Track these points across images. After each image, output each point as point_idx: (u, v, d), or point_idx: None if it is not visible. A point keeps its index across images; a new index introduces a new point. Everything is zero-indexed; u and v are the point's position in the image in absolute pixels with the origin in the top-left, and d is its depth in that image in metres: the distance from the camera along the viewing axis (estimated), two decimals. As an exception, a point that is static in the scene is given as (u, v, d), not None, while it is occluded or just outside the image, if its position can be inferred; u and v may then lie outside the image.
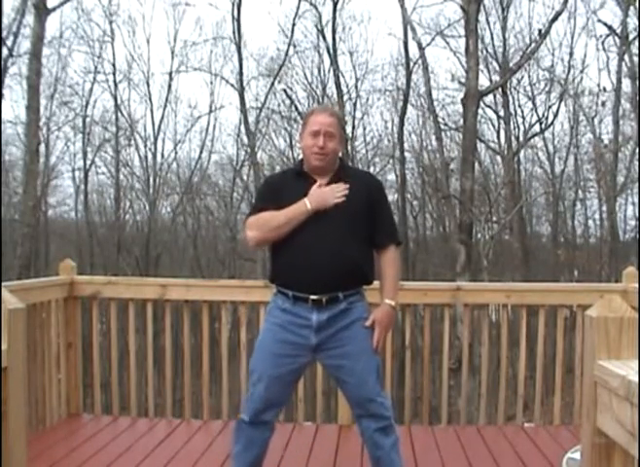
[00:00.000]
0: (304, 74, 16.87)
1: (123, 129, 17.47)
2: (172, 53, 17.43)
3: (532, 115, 16.02)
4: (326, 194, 2.67)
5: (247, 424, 2.71)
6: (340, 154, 2.87)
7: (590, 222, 16.87)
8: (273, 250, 2.78)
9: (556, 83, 15.35)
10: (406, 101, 14.95)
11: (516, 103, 16.25)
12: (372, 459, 2.80)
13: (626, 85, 14.77)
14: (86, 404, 4.28)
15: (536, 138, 16.05)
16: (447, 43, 15.01)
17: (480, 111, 13.06)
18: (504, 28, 15.63)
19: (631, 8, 13.53)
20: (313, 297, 2.64)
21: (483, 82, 13.43)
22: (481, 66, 13.43)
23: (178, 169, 18.14)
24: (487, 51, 15.55)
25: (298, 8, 15.31)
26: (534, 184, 17.47)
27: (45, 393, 3.78)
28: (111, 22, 16.86)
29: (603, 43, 14.74)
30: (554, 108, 15.44)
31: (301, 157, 2.89)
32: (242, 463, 2.75)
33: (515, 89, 15.87)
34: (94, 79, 17.13)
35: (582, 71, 15.38)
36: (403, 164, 15.55)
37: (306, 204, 2.65)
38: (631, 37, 13.98)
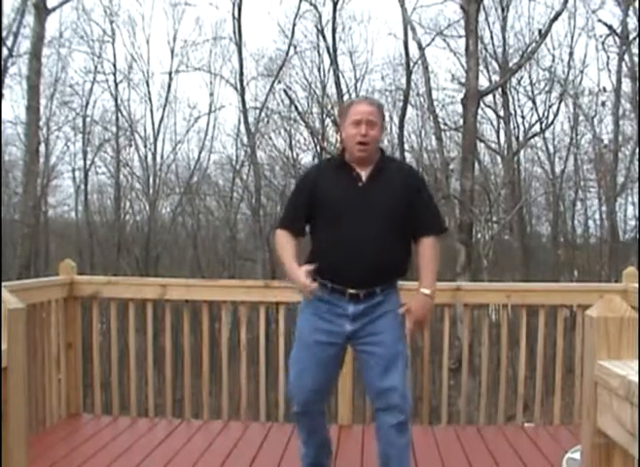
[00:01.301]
0: (304, 74, 16.90)
1: (123, 129, 17.48)
2: (172, 52, 17.44)
3: (532, 115, 16.04)
4: (300, 285, 2.70)
5: (302, 414, 2.84)
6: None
7: (590, 222, 16.88)
8: (313, 240, 2.84)
9: (556, 83, 15.35)
10: (405, 101, 14.93)
11: (516, 103, 16.27)
12: (381, 457, 2.82)
13: (626, 85, 14.78)
14: (86, 404, 4.28)
15: (536, 138, 16.06)
16: (447, 43, 15.03)
17: (479, 111, 13.05)
18: (504, 28, 15.63)
19: (631, 8, 13.53)
20: (351, 291, 2.70)
21: (483, 82, 13.45)
22: (481, 66, 13.43)
23: (178, 169, 18.16)
24: (487, 51, 15.55)
25: (298, 8, 15.32)
26: (534, 184, 17.47)
27: (45, 393, 3.78)
28: (111, 22, 16.88)
29: (603, 43, 14.74)
30: (554, 108, 15.45)
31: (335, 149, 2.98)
32: (312, 442, 2.93)
33: (514, 89, 15.87)
34: (94, 79, 17.15)
35: (582, 71, 15.40)
36: (403, 164, 15.52)
37: (293, 275, 2.71)
38: (631, 37, 13.98)
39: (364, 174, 2.75)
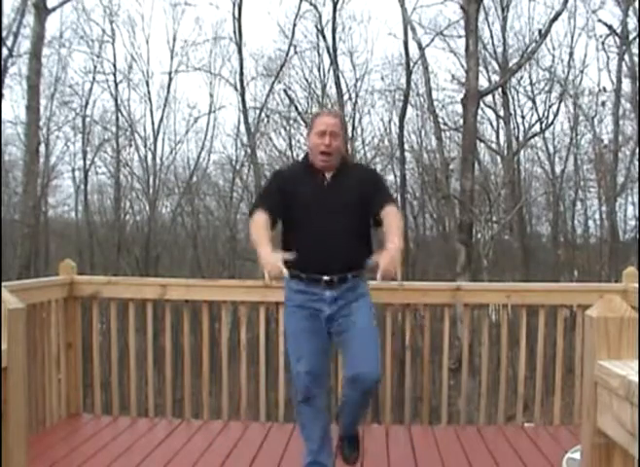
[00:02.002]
0: (304, 74, 16.89)
1: (122, 129, 17.47)
2: (172, 53, 17.44)
3: (532, 115, 16.04)
4: (268, 266, 2.81)
5: (304, 403, 3.02)
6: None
7: (590, 222, 16.87)
8: (285, 238, 3.11)
9: (556, 83, 15.35)
10: (406, 101, 14.93)
11: (516, 103, 16.27)
12: (341, 405, 3.21)
13: (626, 85, 14.79)
14: (86, 404, 4.27)
15: (536, 138, 16.05)
16: (447, 43, 15.03)
17: (479, 111, 13.06)
18: (504, 28, 15.64)
19: (631, 8, 13.53)
20: (326, 278, 2.98)
21: (483, 82, 13.45)
22: (481, 66, 13.44)
23: (178, 169, 18.15)
24: (487, 51, 15.55)
25: (298, 8, 15.32)
26: (534, 184, 17.47)
27: (45, 393, 3.78)
28: (111, 22, 16.87)
29: (603, 43, 14.74)
30: (554, 108, 15.46)
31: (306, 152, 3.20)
32: (314, 437, 3.07)
33: (514, 89, 15.87)
34: (94, 79, 17.14)
35: (582, 71, 15.40)
36: (403, 164, 15.54)
37: (265, 258, 2.82)
38: (631, 37, 13.99)
39: (328, 176, 3.06)
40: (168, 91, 17.47)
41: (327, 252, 2.98)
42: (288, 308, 3.13)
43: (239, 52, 15.45)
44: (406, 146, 15.95)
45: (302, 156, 3.46)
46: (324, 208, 3.00)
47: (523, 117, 16.29)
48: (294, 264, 2.91)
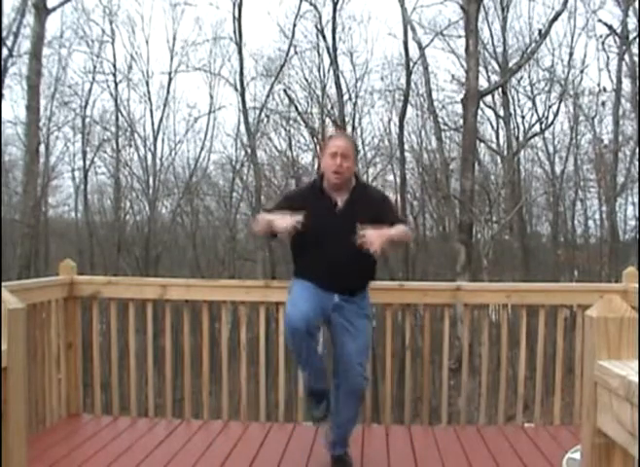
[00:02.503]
0: (304, 74, 16.89)
1: (122, 130, 17.48)
2: (171, 52, 17.44)
3: (532, 115, 16.03)
4: (287, 221, 3.06)
5: (294, 333, 3.01)
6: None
7: (590, 222, 16.88)
8: (296, 260, 3.32)
9: (556, 83, 15.35)
10: (405, 101, 14.93)
11: (516, 103, 16.27)
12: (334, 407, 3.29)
13: (626, 85, 14.78)
14: (86, 404, 4.27)
15: (536, 138, 16.05)
16: (447, 43, 15.03)
17: (479, 111, 13.06)
18: (504, 28, 15.63)
19: (631, 8, 13.53)
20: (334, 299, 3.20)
21: (483, 82, 13.45)
22: (481, 66, 13.44)
23: (177, 169, 18.15)
24: (487, 51, 15.55)
25: (298, 8, 15.31)
26: (534, 184, 17.46)
27: (45, 393, 3.78)
28: (111, 22, 16.86)
29: (603, 43, 14.73)
30: (554, 108, 15.44)
31: (318, 174, 3.45)
32: (309, 369, 3.18)
33: (514, 89, 15.87)
34: (94, 79, 17.14)
35: (582, 71, 15.38)
36: (403, 164, 15.55)
37: (277, 218, 3.11)
38: (631, 37, 13.98)
39: (340, 201, 3.23)
40: (168, 91, 17.49)
41: (335, 278, 3.16)
42: (297, 285, 3.24)
43: (239, 52, 15.45)
44: (406, 146, 15.97)
45: (312, 177, 3.60)
46: (335, 234, 3.13)
47: (523, 117, 16.31)
48: (304, 279, 3.22)
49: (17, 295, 1.87)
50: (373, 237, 2.99)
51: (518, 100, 16.25)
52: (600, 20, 14.54)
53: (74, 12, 16.22)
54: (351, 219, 3.10)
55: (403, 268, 15.24)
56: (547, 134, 16.05)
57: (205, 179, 18.31)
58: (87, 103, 17.13)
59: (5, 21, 13.14)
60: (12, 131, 16.11)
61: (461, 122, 12.39)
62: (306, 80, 16.92)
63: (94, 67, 17.06)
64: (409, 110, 15.82)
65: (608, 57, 14.93)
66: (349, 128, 16.01)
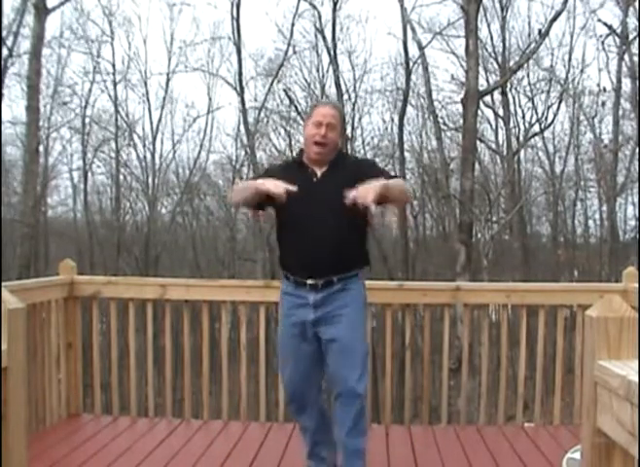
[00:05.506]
0: (303, 74, 16.89)
1: (121, 130, 17.48)
2: (169, 53, 17.44)
3: (532, 115, 16.06)
4: (269, 184, 2.74)
5: (291, 403, 3.03)
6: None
7: (590, 222, 16.91)
8: (278, 237, 3.01)
9: (556, 83, 15.36)
10: (405, 101, 14.94)
11: (516, 103, 16.29)
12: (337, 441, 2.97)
13: (626, 85, 14.79)
14: (86, 404, 4.27)
15: (536, 138, 16.06)
16: (447, 43, 15.04)
17: (479, 111, 13.05)
18: (503, 28, 15.64)
19: (631, 8, 13.53)
20: (310, 281, 2.85)
21: (483, 82, 13.44)
22: (481, 66, 13.43)
23: (177, 169, 18.16)
24: (487, 51, 15.55)
25: (297, 8, 15.31)
26: (534, 184, 17.47)
27: (45, 393, 3.78)
28: (110, 23, 16.87)
29: (603, 43, 14.75)
30: (554, 108, 15.47)
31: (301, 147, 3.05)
32: (309, 436, 3.06)
33: (514, 89, 15.89)
34: (93, 79, 17.15)
35: (582, 71, 15.40)
36: (403, 164, 15.55)
37: (263, 183, 2.77)
38: (631, 37, 13.99)
39: (319, 172, 2.90)
40: (166, 92, 17.50)
41: (311, 254, 2.82)
42: (281, 311, 3.00)
43: (238, 52, 15.45)
44: (406, 146, 15.97)
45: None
46: (310, 207, 2.80)
47: (523, 117, 16.33)
48: (284, 264, 2.96)
49: (17, 295, 1.87)
50: (364, 191, 2.58)
51: (518, 100, 16.29)
52: (600, 20, 14.56)
53: (73, 12, 16.26)
54: (329, 189, 2.79)
55: (402, 267, 15.23)
56: (547, 134, 16.09)
57: (205, 179, 18.31)
58: (86, 103, 17.16)
59: (5, 21, 13.16)
60: (11, 131, 16.14)
61: (461, 122, 12.37)
62: (306, 80, 16.94)
63: (94, 68, 17.10)
64: (409, 110, 15.86)
65: (608, 57, 14.97)
66: (349, 128, 16.02)
